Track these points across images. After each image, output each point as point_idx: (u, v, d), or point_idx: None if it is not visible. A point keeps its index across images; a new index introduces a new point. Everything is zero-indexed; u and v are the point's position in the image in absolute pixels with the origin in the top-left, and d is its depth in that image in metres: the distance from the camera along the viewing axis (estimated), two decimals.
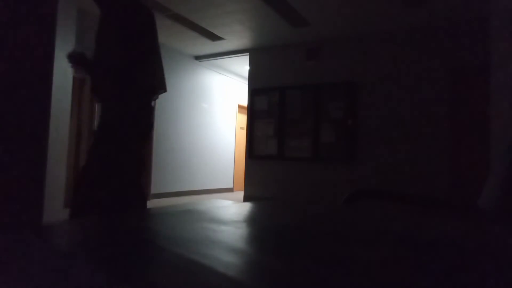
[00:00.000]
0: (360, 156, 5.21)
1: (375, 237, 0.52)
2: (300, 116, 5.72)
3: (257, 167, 6.10)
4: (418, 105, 4.87)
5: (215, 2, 4.52)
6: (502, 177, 0.92)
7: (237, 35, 5.67)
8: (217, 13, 4.85)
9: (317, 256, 0.40)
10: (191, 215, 0.64)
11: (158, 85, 2.00)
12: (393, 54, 5.10)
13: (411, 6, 4.37)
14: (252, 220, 0.63)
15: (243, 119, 8.51)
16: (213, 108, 7.53)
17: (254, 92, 6.23)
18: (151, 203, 5.65)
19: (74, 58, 1.97)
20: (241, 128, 8.56)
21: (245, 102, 8.22)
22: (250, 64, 6.35)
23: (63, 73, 3.31)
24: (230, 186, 8.14)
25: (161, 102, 6.14)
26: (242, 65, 7.25)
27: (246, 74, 7.01)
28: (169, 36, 5.81)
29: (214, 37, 5.77)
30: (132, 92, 1.89)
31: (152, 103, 2.04)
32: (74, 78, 3.82)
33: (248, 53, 6.36)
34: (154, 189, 6.04)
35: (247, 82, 6.58)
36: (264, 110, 6.08)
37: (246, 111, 6.79)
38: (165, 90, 2.05)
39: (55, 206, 3.25)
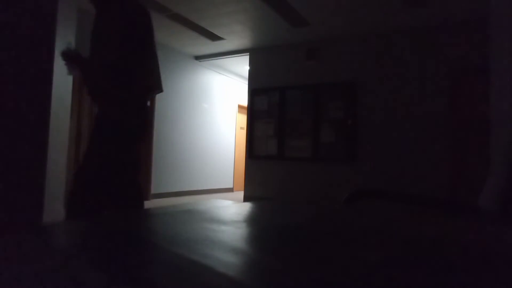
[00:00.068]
0: (360, 156, 5.21)
1: (375, 237, 0.52)
2: (300, 116, 5.72)
3: (257, 167, 6.10)
4: (418, 105, 4.87)
5: (215, 2, 4.52)
6: (502, 177, 0.91)
7: (237, 35, 5.67)
8: (217, 13, 4.85)
9: (317, 256, 0.40)
10: (191, 215, 0.64)
11: (154, 85, 1.99)
12: (393, 54, 5.10)
13: (411, 6, 4.37)
14: (252, 220, 0.63)
15: (243, 119, 8.51)
16: (213, 108, 7.53)
17: (254, 92, 6.23)
18: (151, 203, 5.65)
19: (68, 56, 1.96)
20: (241, 128, 8.56)
21: (245, 102, 8.22)
22: (250, 64, 6.35)
23: (63, 73, 3.31)
24: (230, 186, 8.13)
25: (161, 102, 6.14)
26: (242, 65, 7.25)
27: (246, 74, 7.01)
28: (169, 36, 5.81)
29: (214, 37, 5.77)
30: (128, 92, 1.88)
31: (148, 103, 2.03)
32: (74, 78, 3.82)
33: (248, 53, 6.36)
34: (154, 189, 6.04)
35: (247, 82, 6.58)
36: (264, 110, 6.08)
37: (246, 111, 6.79)
38: (161, 90, 2.04)
39: (55, 206, 3.25)
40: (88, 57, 1.99)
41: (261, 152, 6.06)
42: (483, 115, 4.41)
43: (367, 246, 0.45)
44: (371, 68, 5.25)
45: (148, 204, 5.59)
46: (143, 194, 2.01)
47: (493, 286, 0.32)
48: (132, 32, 1.88)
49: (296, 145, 5.73)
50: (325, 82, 5.58)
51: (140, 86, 1.91)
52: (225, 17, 4.98)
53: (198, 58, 6.87)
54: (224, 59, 6.87)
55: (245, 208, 0.78)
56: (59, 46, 3.19)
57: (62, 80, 3.40)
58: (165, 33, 5.70)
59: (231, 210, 0.73)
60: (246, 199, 6.13)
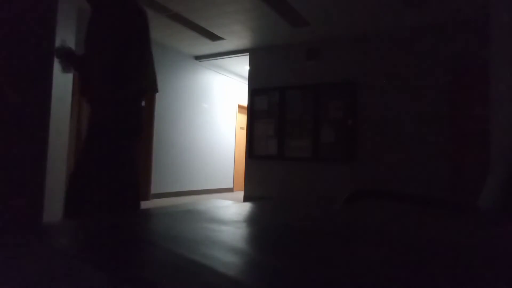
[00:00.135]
0: (360, 156, 5.21)
1: (375, 237, 0.52)
2: (300, 116, 5.72)
3: (257, 167, 6.10)
4: (418, 105, 4.87)
5: (215, 2, 4.52)
6: (502, 177, 0.91)
7: (237, 35, 5.67)
8: (217, 13, 4.85)
9: (317, 256, 0.40)
10: (191, 215, 0.64)
11: (149, 86, 1.98)
12: (393, 54, 5.10)
13: (412, 6, 4.37)
14: (252, 220, 0.63)
15: (243, 119, 8.51)
16: (213, 108, 7.53)
17: (254, 92, 6.23)
18: (151, 203, 5.65)
19: (62, 53, 1.94)
20: (241, 128, 8.56)
21: (245, 102, 8.22)
22: (250, 64, 6.35)
23: (63, 73, 3.31)
24: (230, 186, 8.13)
25: (161, 102, 6.14)
26: (242, 65, 7.25)
27: (246, 74, 7.01)
28: (169, 36, 5.81)
29: (214, 37, 5.77)
30: (123, 92, 1.86)
31: (143, 103, 2.01)
32: (74, 78, 3.82)
33: (248, 53, 6.36)
34: (154, 189, 6.04)
35: (247, 82, 6.58)
36: (264, 110, 6.08)
37: (246, 111, 6.79)
38: (156, 91, 2.03)
39: (55, 206, 3.25)
40: (83, 56, 1.96)
41: (261, 152, 6.06)
42: (483, 115, 4.41)
43: (367, 246, 0.45)
44: (371, 68, 5.25)
45: (148, 204, 5.59)
46: (139, 194, 1.98)
47: (493, 286, 0.32)
48: (127, 32, 1.85)
49: (296, 145, 5.73)
50: (325, 82, 5.58)
51: (136, 86, 1.89)
52: (225, 17, 4.98)
53: (198, 58, 6.88)
54: (224, 59, 6.87)
55: (245, 208, 0.78)
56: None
57: (62, 80, 3.40)
58: (165, 33, 5.70)
59: (231, 210, 0.73)
60: (246, 199, 6.13)
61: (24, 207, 2.98)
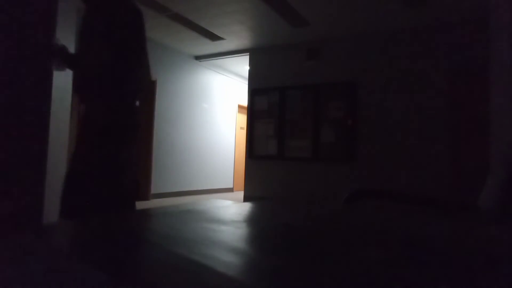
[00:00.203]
0: (360, 156, 5.21)
1: (375, 237, 0.52)
2: (300, 116, 5.72)
3: (257, 167, 6.10)
4: (418, 105, 4.87)
5: (215, 2, 4.52)
6: (502, 177, 0.91)
7: (237, 35, 5.67)
8: (217, 13, 4.85)
9: (317, 256, 0.40)
10: (191, 215, 0.64)
11: (143, 86, 1.95)
12: (393, 54, 5.10)
13: (412, 7, 4.37)
14: (252, 220, 0.63)
15: (243, 119, 8.51)
16: (213, 108, 7.53)
17: (254, 92, 6.23)
18: (151, 203, 5.65)
19: (55, 51, 1.92)
20: (241, 128, 8.56)
21: (245, 102, 8.22)
22: (250, 64, 6.35)
23: (63, 73, 3.31)
24: (230, 186, 8.14)
25: (161, 102, 6.13)
26: (242, 65, 7.25)
27: (246, 74, 7.01)
28: (169, 36, 5.81)
29: (214, 37, 5.77)
30: (117, 92, 1.84)
31: (137, 103, 1.97)
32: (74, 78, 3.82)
33: (248, 53, 6.36)
34: (154, 189, 6.04)
35: (247, 82, 6.58)
36: (264, 110, 6.08)
37: (246, 111, 6.79)
38: (150, 91, 2.01)
39: (55, 206, 3.25)
40: (76, 54, 1.92)
41: (261, 152, 6.06)
42: (483, 115, 4.41)
43: (367, 246, 0.45)
44: (371, 68, 5.25)
45: (148, 204, 5.59)
46: (133, 195, 1.95)
47: (493, 286, 0.32)
48: (122, 32, 1.81)
49: (296, 145, 5.73)
50: (325, 82, 5.58)
51: (130, 86, 1.86)
52: (225, 17, 4.98)
53: (198, 58, 6.88)
54: (224, 59, 6.87)
55: (245, 208, 0.78)
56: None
57: (62, 80, 3.40)
58: (165, 33, 5.70)
59: (231, 210, 0.73)
60: (246, 199, 6.13)
61: (24, 207, 2.97)
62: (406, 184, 4.86)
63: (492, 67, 2.49)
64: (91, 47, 1.86)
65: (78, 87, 1.92)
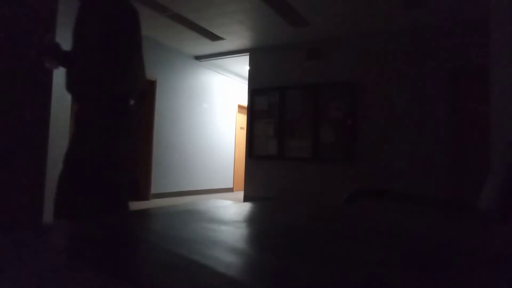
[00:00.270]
0: (360, 156, 5.21)
1: (376, 237, 0.52)
2: (300, 116, 5.72)
3: (257, 167, 6.10)
4: (418, 105, 4.87)
5: (215, 2, 4.52)
6: (502, 177, 0.91)
7: (237, 35, 5.67)
8: (217, 13, 4.85)
9: (317, 256, 0.40)
10: (191, 215, 0.64)
11: (138, 85, 1.92)
12: (393, 54, 5.10)
13: (412, 7, 4.37)
14: (252, 220, 0.63)
15: (243, 119, 8.51)
16: (213, 108, 7.53)
17: (254, 92, 6.23)
18: (151, 203, 5.65)
19: (48, 48, 1.89)
20: (241, 128, 8.56)
21: (245, 102, 8.22)
22: (250, 64, 6.35)
23: (63, 73, 3.31)
24: (230, 186, 8.14)
25: (161, 102, 6.13)
26: (242, 65, 7.25)
27: (246, 74, 7.01)
28: (169, 36, 5.81)
29: (214, 37, 5.77)
30: (111, 91, 1.80)
31: (131, 102, 1.93)
32: None
33: (248, 53, 6.36)
34: (154, 189, 6.04)
35: (247, 82, 6.58)
36: (264, 110, 6.08)
37: (246, 111, 6.79)
38: (145, 91, 1.98)
39: None
40: (70, 52, 1.88)
41: (261, 152, 6.06)
42: (483, 115, 4.41)
43: (367, 246, 0.45)
44: (371, 68, 5.25)
45: (148, 204, 5.59)
46: (125, 197, 1.91)
47: (493, 286, 0.32)
48: (117, 30, 1.76)
49: (296, 145, 5.73)
50: (325, 82, 5.58)
51: (123, 86, 1.83)
52: (225, 17, 4.98)
53: (198, 58, 6.88)
54: (224, 59, 6.87)
55: (245, 208, 0.78)
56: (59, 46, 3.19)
57: (62, 80, 3.40)
58: (165, 33, 5.70)
59: (231, 210, 0.73)
60: (246, 199, 6.13)
61: (24, 207, 2.97)
62: (406, 184, 4.86)
63: (492, 67, 2.49)
64: (85, 45, 1.83)
65: (70, 85, 1.88)
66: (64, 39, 3.40)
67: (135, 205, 5.28)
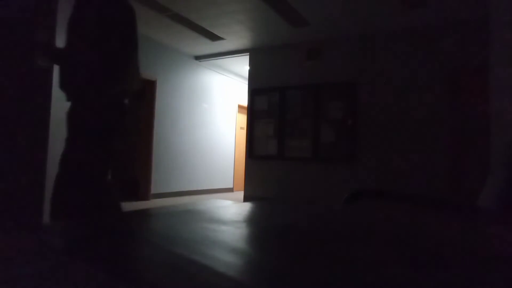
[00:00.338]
0: (360, 156, 5.21)
1: (375, 237, 0.52)
2: (300, 116, 5.72)
3: (257, 167, 6.10)
4: (418, 105, 4.87)
5: (215, 2, 4.52)
6: (502, 177, 0.91)
7: (237, 35, 5.67)
8: (217, 13, 4.85)
9: (317, 256, 0.40)
10: (191, 215, 0.64)
11: (133, 85, 1.89)
12: (393, 54, 5.10)
13: (412, 8, 4.37)
14: (252, 220, 0.63)
15: (243, 119, 8.51)
16: (213, 108, 7.53)
17: (254, 92, 6.23)
18: (151, 203, 5.65)
19: (41, 46, 1.86)
20: (241, 128, 8.56)
21: (245, 102, 8.22)
22: (250, 64, 6.35)
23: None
24: (230, 186, 8.13)
25: (161, 102, 6.13)
26: (242, 65, 7.25)
27: (246, 74, 7.01)
28: (169, 36, 5.81)
29: (214, 37, 5.77)
30: (106, 90, 1.76)
31: (126, 101, 1.89)
32: None
33: (248, 53, 6.36)
34: (154, 189, 6.04)
35: (247, 82, 6.58)
36: (264, 110, 6.08)
37: (246, 111, 6.79)
38: (141, 89, 1.96)
39: None
40: (63, 49, 1.85)
41: (261, 152, 6.06)
42: (483, 115, 4.41)
43: (367, 246, 0.45)
44: (371, 68, 5.25)
45: (148, 204, 5.59)
46: (116, 197, 1.89)
47: (493, 286, 0.32)
48: (112, 28, 1.73)
49: (296, 145, 5.73)
50: (325, 82, 5.58)
51: (118, 85, 1.80)
52: (225, 17, 4.98)
53: (198, 58, 6.87)
54: (224, 59, 6.87)
55: (245, 208, 0.78)
56: (59, 46, 3.18)
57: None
58: (165, 33, 5.70)
59: (231, 210, 0.73)
60: (246, 199, 6.13)
61: (24, 207, 2.98)
62: (406, 184, 4.86)
63: (492, 67, 2.49)
64: (79, 42, 1.79)
65: (63, 83, 1.84)
66: (64, 39, 3.39)
67: (135, 205, 5.28)
